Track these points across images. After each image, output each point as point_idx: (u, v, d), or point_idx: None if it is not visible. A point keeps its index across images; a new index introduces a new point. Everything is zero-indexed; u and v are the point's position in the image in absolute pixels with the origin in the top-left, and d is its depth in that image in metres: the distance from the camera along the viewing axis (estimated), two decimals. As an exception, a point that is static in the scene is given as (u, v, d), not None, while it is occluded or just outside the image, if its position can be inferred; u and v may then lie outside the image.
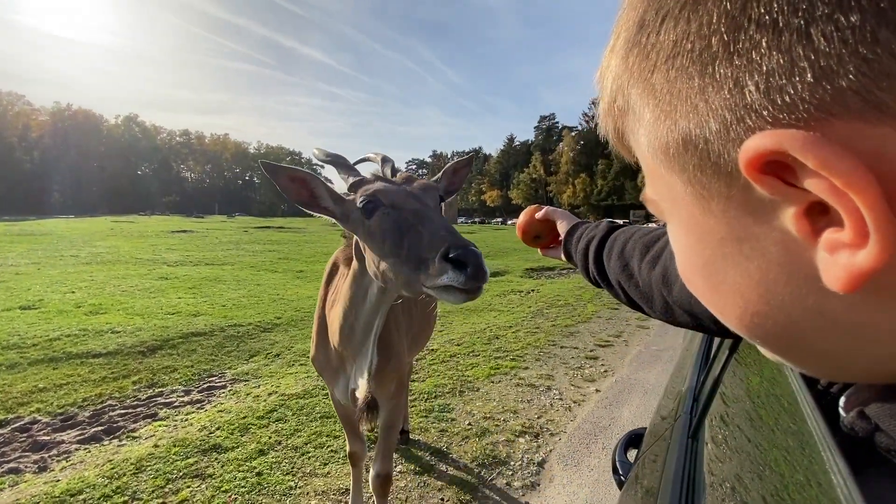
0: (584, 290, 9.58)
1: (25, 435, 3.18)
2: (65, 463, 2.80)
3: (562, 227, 0.94)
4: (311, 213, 1.39)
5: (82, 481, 2.50)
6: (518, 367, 4.61)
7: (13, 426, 3.25)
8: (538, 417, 3.54)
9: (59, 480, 2.55)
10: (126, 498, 2.38)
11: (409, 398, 3.68)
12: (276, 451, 2.89)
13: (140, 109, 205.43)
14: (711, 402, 0.77)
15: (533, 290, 9.51)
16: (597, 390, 4.13)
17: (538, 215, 0.97)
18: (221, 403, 3.65)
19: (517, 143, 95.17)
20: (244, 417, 3.30)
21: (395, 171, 1.55)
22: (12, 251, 12.97)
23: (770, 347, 0.29)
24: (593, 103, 79.28)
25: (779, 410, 0.53)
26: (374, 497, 2.08)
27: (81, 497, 2.37)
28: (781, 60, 0.20)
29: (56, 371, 4.13)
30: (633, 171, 68.03)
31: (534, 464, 2.89)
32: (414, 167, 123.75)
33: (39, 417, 3.39)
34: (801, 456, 0.42)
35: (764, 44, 0.20)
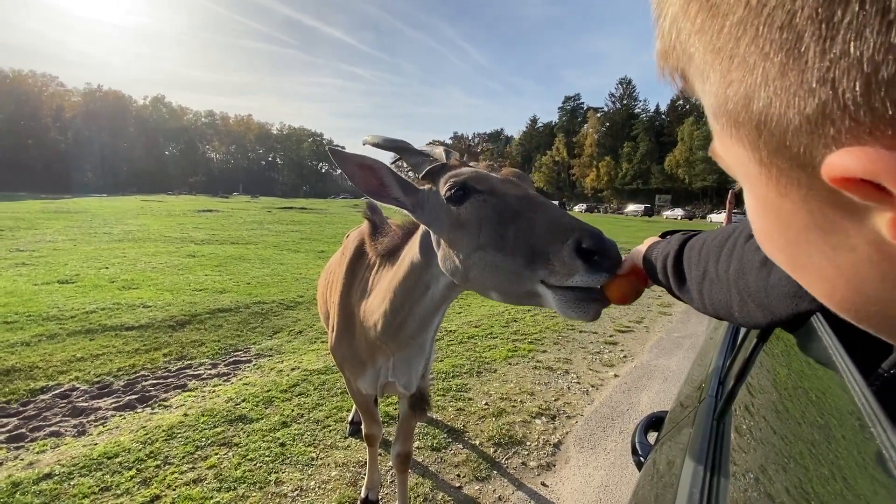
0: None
1: (65, 401, 3.37)
2: (101, 428, 2.96)
3: (639, 260, 0.87)
4: (382, 202, 1.27)
5: (118, 445, 2.65)
6: (536, 351, 4.62)
7: (54, 392, 3.44)
8: (555, 400, 3.55)
9: (96, 444, 2.71)
10: (159, 462, 2.51)
11: (429, 378, 3.74)
12: (299, 423, 2.99)
13: (167, 90, 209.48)
14: (737, 389, 0.75)
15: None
16: (615, 375, 4.10)
17: (622, 271, 0.88)
18: (247, 377, 3.78)
19: (540, 124, 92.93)
20: (268, 391, 3.42)
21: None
22: (50, 227, 13.55)
23: (861, 325, 0.28)
24: (620, 84, 76.82)
25: (806, 404, 0.52)
26: (396, 473, 2.14)
27: (118, 460, 2.51)
28: None
29: (92, 342, 4.33)
30: (659, 155, 66.29)
31: (550, 445, 2.91)
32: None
33: (78, 385, 3.58)
34: (826, 450, 0.42)
35: (875, 25, 0.16)
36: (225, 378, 3.80)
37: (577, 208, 64.66)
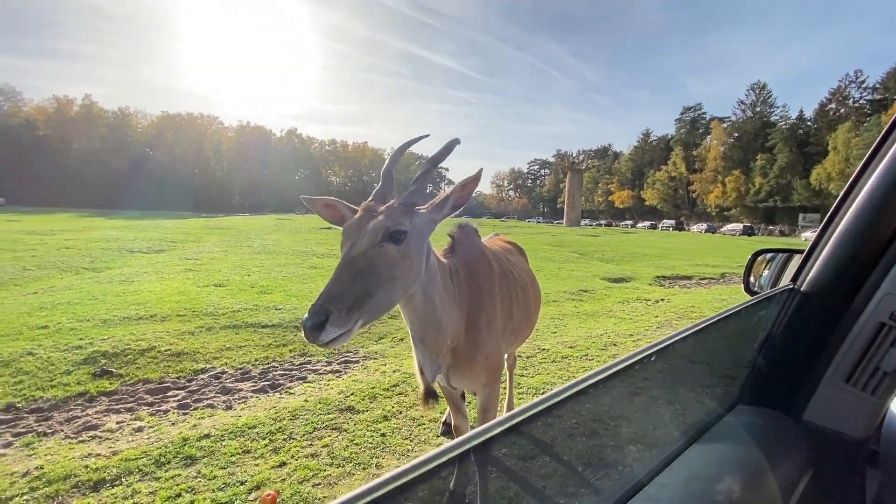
0: (726, 302, 8.54)
1: (217, 381, 4.12)
2: (243, 405, 3.59)
3: None
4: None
5: (255, 420, 3.20)
6: (635, 375, 4.41)
7: (209, 374, 4.24)
8: (653, 429, 3.38)
9: (240, 417, 3.30)
10: (285, 436, 2.99)
11: (517, 391, 3.83)
12: (398, 418, 3.30)
13: (298, 123, 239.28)
14: None
15: (662, 300, 8.80)
16: (726, 409, 3.76)
17: None
18: (355, 375, 4.25)
19: (653, 137, 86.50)
20: (373, 388, 3.81)
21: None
22: (208, 241, 16.36)
23: None
24: (752, 89, 68.54)
25: None
26: (476, 467, 2.29)
27: (255, 431, 3.05)
28: None
29: (237, 335, 5.22)
30: (803, 167, 57.09)
31: (642, 470, 2.81)
32: (536, 167, 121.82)
33: (226, 370, 4.35)
34: None
35: None
36: (337, 374, 4.32)
37: (695, 228, 58.63)
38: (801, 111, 64.47)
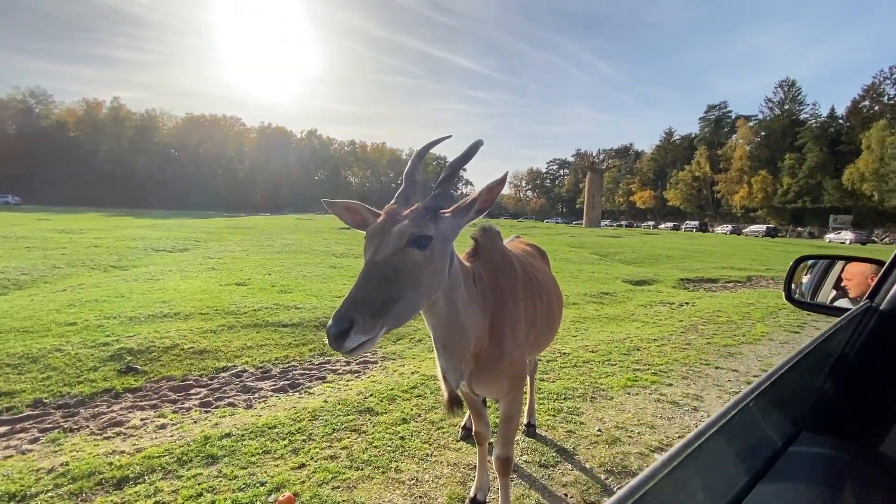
0: (754, 307, 8.27)
1: (238, 380, 4.16)
2: (264, 404, 3.60)
3: None
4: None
5: (276, 419, 3.21)
6: (659, 383, 4.28)
7: (231, 372, 4.28)
8: (679, 437, 3.26)
9: (260, 416, 3.31)
10: (305, 437, 2.98)
11: (538, 396, 3.75)
12: (417, 421, 3.26)
13: (318, 124, 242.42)
14: None
15: (686, 303, 8.57)
16: (757, 419, 3.60)
17: None
18: (374, 375, 4.23)
19: (677, 136, 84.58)
20: (391, 389, 3.78)
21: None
22: (230, 240, 16.66)
23: None
24: (780, 86, 66.43)
25: None
26: (497, 475, 2.24)
27: (275, 431, 3.04)
28: None
29: (258, 334, 5.26)
30: (835, 167, 54.91)
31: (670, 482, 2.70)
32: (555, 167, 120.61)
33: (247, 368, 4.38)
34: None
35: None
36: (356, 375, 4.31)
37: (719, 229, 57.13)
38: (833, 109, 62.04)
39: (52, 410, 3.36)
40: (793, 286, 1.86)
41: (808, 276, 2.06)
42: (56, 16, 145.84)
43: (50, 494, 2.32)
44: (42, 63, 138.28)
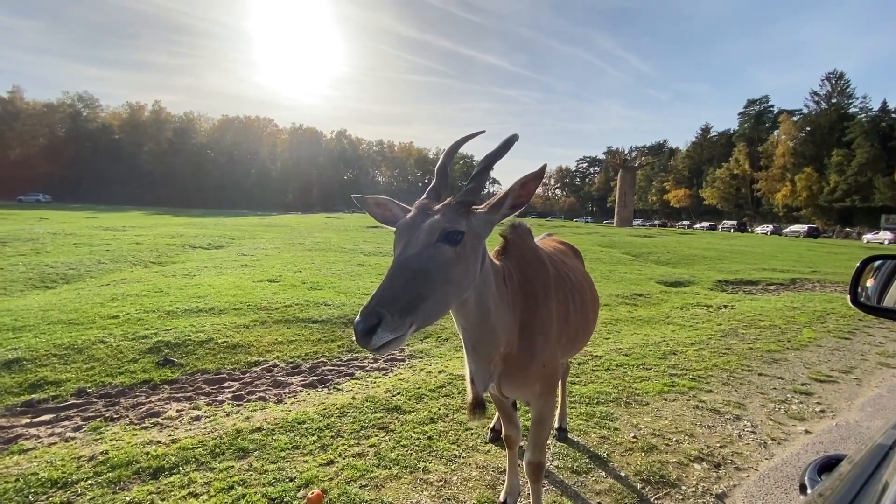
0: (799, 311, 7.83)
1: (269, 374, 4.22)
2: (293, 399, 3.63)
3: None
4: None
5: (305, 415, 3.22)
6: (698, 389, 4.09)
7: (262, 366, 4.34)
8: (720, 447, 3.10)
9: (290, 411, 3.34)
10: (333, 433, 2.99)
11: (569, 400, 3.64)
12: (445, 421, 3.21)
13: (347, 124, 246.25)
14: None
15: (725, 306, 8.20)
16: (807, 431, 3.39)
17: None
18: (401, 373, 4.21)
19: (714, 133, 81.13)
20: (419, 388, 3.75)
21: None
22: (263, 238, 17.10)
23: None
24: (827, 79, 62.88)
25: None
26: (528, 480, 2.16)
27: (305, 426, 3.06)
28: None
29: (289, 330, 5.34)
30: (887, 164, 51.54)
31: (711, 495, 2.55)
32: (585, 165, 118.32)
33: (278, 363, 4.45)
34: None
35: None
36: (384, 372, 4.30)
37: (759, 230, 54.64)
38: (884, 102, 58.11)
39: (94, 400, 3.50)
40: (859, 289, 1.70)
41: (874, 278, 1.90)
42: (101, 24, 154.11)
43: (90, 482, 2.39)
44: (88, 69, 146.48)
